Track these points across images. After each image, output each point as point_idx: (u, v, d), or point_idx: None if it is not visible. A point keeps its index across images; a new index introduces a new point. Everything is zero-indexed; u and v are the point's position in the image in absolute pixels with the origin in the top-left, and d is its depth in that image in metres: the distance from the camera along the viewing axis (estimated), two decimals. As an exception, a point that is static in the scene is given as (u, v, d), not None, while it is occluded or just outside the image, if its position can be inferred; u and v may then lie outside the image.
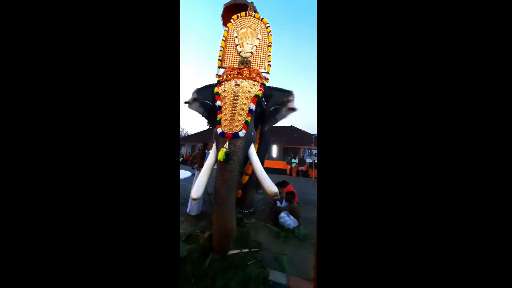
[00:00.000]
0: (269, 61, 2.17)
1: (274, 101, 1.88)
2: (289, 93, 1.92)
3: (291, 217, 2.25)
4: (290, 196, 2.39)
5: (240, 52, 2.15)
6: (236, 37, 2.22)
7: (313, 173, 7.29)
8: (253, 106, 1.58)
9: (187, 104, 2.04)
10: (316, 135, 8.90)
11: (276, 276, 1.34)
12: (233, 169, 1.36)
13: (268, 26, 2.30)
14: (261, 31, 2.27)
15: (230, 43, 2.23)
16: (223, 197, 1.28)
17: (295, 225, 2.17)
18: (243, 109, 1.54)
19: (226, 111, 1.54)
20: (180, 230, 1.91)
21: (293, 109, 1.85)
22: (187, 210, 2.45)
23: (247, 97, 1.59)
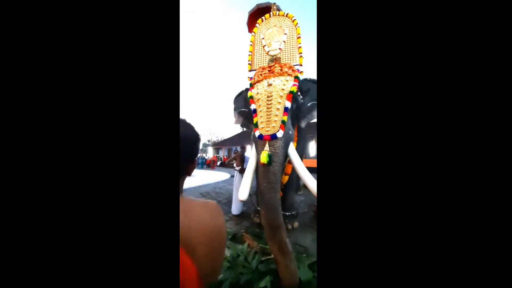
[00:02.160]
0: (300, 53, 2.04)
1: (312, 95, 1.74)
2: None
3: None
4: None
5: (268, 51, 2.11)
6: (263, 38, 2.21)
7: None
8: (288, 104, 1.51)
9: (237, 124, 2.15)
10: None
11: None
12: (277, 171, 1.34)
13: (295, 19, 2.18)
14: (288, 26, 2.17)
15: (258, 46, 2.24)
16: (269, 198, 1.27)
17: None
18: (278, 108, 1.49)
19: (261, 113, 1.53)
20: (228, 229, 2.04)
21: None
22: (232, 211, 2.61)
23: (281, 95, 1.54)
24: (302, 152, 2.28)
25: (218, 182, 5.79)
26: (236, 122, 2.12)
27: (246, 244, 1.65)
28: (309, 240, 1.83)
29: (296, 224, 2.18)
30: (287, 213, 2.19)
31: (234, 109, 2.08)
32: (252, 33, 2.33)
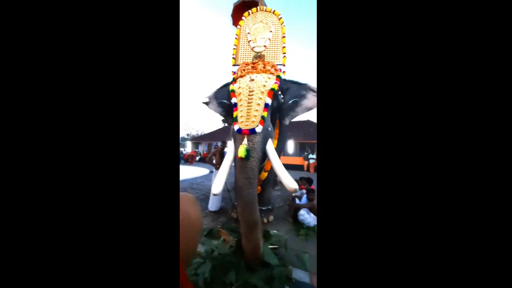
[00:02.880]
0: (284, 53, 2.10)
1: (292, 94, 1.80)
2: (303, 87, 1.84)
3: (312, 214, 2.16)
4: (311, 193, 2.30)
5: (254, 47, 2.12)
6: (249, 33, 2.19)
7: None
8: (269, 100, 1.53)
9: (205, 105, 2.10)
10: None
11: (298, 274, 1.30)
12: (254, 166, 1.34)
13: (281, 18, 2.22)
14: (274, 23, 2.20)
15: (243, 40, 2.21)
16: (247, 194, 1.27)
17: (315, 223, 2.09)
18: (258, 104, 1.50)
19: (242, 107, 1.53)
20: (204, 226, 2.00)
21: (310, 108, 1.81)
22: (209, 207, 2.55)
23: (262, 91, 1.56)
24: (281, 149, 2.35)
25: (196, 178, 5.58)
26: (214, 110, 2.07)
27: (221, 239, 1.64)
28: (282, 232, 1.92)
29: (271, 218, 2.26)
30: (264, 208, 2.25)
31: (215, 98, 2.02)
32: (238, 26, 2.29)
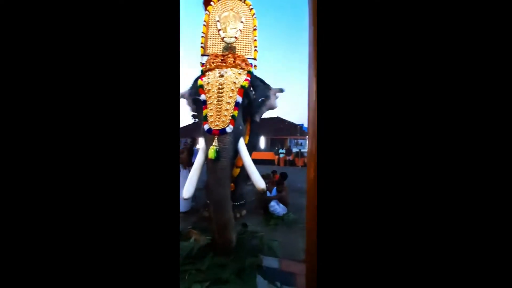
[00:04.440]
0: (255, 46, 2.04)
1: (260, 93, 1.85)
2: (267, 88, 1.92)
3: (281, 205, 2.36)
4: (280, 185, 2.49)
5: (224, 37, 1.98)
6: (218, 21, 2.03)
7: (299, 162, 7.61)
8: (239, 99, 1.52)
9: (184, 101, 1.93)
10: (301, 125, 9.17)
11: (268, 261, 1.43)
12: (225, 166, 1.35)
13: (252, 8, 2.13)
14: (245, 14, 2.09)
15: (212, 28, 2.03)
16: (219, 195, 1.28)
17: (284, 212, 2.30)
18: (229, 102, 1.48)
19: (211, 106, 1.47)
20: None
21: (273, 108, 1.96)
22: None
23: (232, 89, 1.52)
24: (254, 146, 2.41)
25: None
26: (190, 108, 1.94)
27: (192, 239, 1.61)
28: (253, 224, 2.04)
29: (244, 212, 2.34)
30: (237, 203, 2.31)
31: (190, 94, 1.86)
32: (206, 12, 2.08)
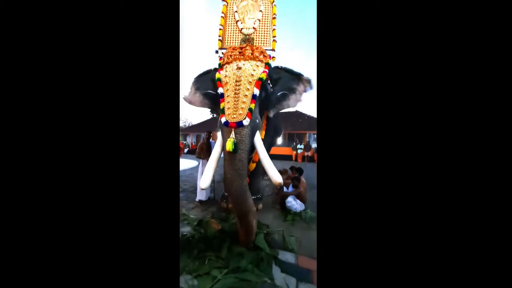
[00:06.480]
0: (274, 36, 1.93)
1: (282, 85, 1.76)
2: (298, 77, 1.76)
3: (298, 201, 2.30)
4: (296, 181, 2.41)
5: (242, 29, 1.92)
6: (236, 12, 1.97)
7: (319, 158, 7.29)
8: (256, 91, 1.48)
9: (187, 102, 1.90)
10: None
11: (285, 256, 1.41)
12: (243, 158, 1.35)
13: None
14: (264, 2, 2.00)
15: (230, 20, 1.99)
16: (237, 186, 1.29)
17: (302, 209, 2.23)
18: (246, 95, 1.46)
19: (228, 99, 1.46)
20: (192, 216, 2.02)
21: (297, 102, 1.75)
22: (197, 198, 2.56)
23: (250, 81, 1.49)
24: (270, 141, 2.37)
25: (185, 170, 5.48)
26: (199, 105, 1.90)
27: (212, 228, 1.69)
28: (269, 219, 2.03)
29: (260, 205, 2.35)
30: (253, 197, 2.33)
31: (197, 89, 1.87)
32: (224, 3, 2.04)
